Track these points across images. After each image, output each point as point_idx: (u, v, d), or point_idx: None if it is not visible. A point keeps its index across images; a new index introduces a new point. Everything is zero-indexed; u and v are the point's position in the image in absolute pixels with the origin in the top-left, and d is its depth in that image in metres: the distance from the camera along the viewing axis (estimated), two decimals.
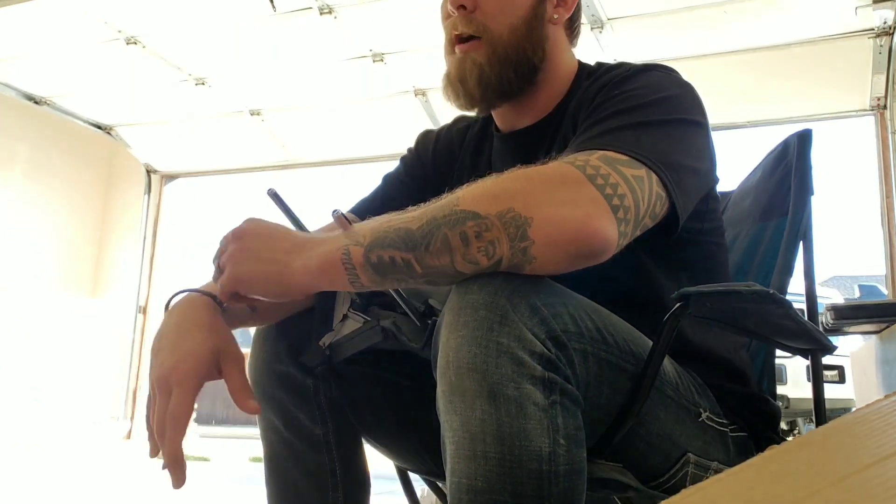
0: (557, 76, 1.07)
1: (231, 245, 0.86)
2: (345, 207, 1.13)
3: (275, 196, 1.03)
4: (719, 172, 1.01)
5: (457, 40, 1.04)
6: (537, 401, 0.72)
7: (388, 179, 1.21)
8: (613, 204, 0.76)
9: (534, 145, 1.06)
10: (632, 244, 0.94)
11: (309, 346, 1.06)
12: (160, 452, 0.88)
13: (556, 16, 1.07)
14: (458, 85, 1.04)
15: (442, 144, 1.20)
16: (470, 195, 0.76)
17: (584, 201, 0.75)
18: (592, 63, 1.11)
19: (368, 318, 1.00)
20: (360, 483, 1.10)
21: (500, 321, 0.72)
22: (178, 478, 0.87)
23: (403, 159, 1.24)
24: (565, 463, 0.72)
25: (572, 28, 1.12)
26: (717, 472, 0.92)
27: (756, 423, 1.01)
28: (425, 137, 1.24)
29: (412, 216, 0.77)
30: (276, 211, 1.05)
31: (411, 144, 1.26)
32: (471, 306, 0.73)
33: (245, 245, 0.85)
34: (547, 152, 1.02)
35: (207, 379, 0.90)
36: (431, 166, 1.19)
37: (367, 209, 1.13)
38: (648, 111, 0.90)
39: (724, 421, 0.97)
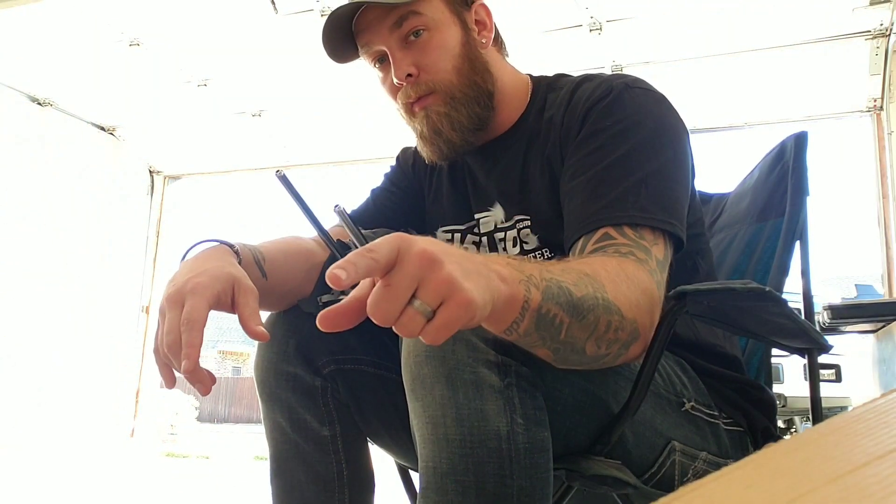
0: (510, 91, 1.11)
1: (432, 273, 0.60)
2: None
3: (283, 179, 1.05)
4: (716, 174, 1.06)
5: (411, 104, 1.06)
6: (493, 383, 0.75)
7: (377, 192, 1.26)
8: (655, 321, 0.84)
9: (504, 155, 1.10)
10: None
11: (316, 346, 1.08)
12: (173, 378, 0.85)
13: (483, 40, 1.10)
14: (435, 137, 1.06)
15: (420, 158, 1.23)
16: (614, 289, 0.77)
17: (652, 327, 0.83)
18: (565, 70, 1.15)
19: None
20: (365, 484, 1.11)
21: None
22: (205, 384, 0.81)
23: (387, 175, 1.28)
24: (525, 441, 0.75)
25: (498, 43, 1.15)
26: (706, 461, 0.95)
27: (752, 412, 1.03)
28: (405, 153, 1.29)
29: (570, 279, 0.73)
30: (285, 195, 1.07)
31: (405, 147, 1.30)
32: None
33: (451, 263, 0.62)
34: (523, 161, 1.07)
35: (220, 300, 0.85)
36: (413, 178, 1.24)
37: (359, 220, 1.17)
38: (646, 156, 0.94)
39: (715, 413, 0.99)
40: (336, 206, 1.03)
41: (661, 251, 0.88)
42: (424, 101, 1.05)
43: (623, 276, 0.80)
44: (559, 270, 0.73)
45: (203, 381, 0.82)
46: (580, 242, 0.90)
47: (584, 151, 0.96)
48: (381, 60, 1.08)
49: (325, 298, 1.06)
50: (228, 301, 0.87)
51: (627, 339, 0.78)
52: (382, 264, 0.59)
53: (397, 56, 1.04)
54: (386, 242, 0.60)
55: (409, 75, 1.04)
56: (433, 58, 1.04)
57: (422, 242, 0.62)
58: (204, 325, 0.82)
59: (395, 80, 1.05)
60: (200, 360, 0.83)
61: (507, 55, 1.16)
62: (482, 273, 0.64)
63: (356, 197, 1.26)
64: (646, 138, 0.94)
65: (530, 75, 1.16)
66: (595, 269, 0.78)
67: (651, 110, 0.98)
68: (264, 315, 1.13)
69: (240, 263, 0.94)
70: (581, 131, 0.98)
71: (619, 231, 0.88)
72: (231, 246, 0.96)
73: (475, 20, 1.10)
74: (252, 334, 0.85)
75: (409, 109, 1.07)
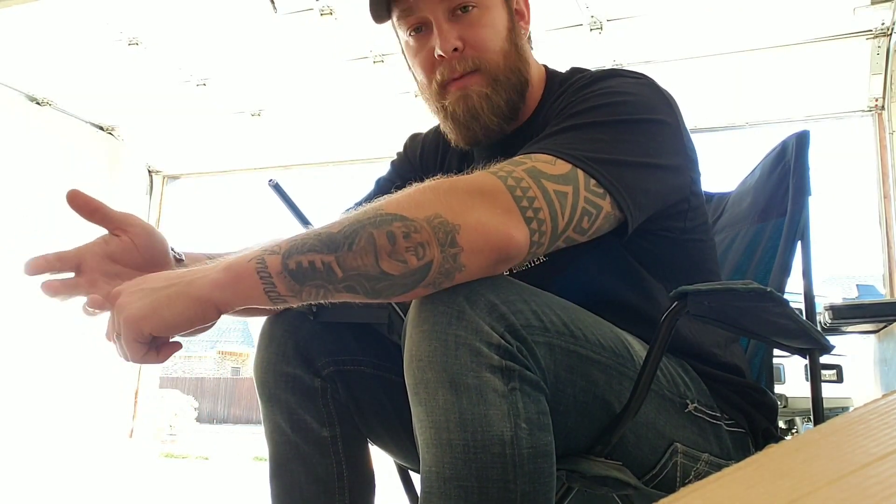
0: (534, 84, 1.08)
1: (118, 300, 0.79)
2: (342, 207, 1.14)
3: (276, 187, 1.04)
4: (716, 173, 1.03)
5: (450, 80, 1.02)
6: (497, 388, 0.74)
7: (381, 182, 1.23)
8: (527, 216, 0.78)
9: (510, 152, 1.07)
10: (618, 249, 0.96)
11: (315, 347, 1.07)
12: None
13: (523, 31, 1.08)
14: (472, 122, 1.02)
15: (429, 147, 1.21)
16: (394, 201, 0.76)
17: (499, 210, 0.77)
18: (564, 69, 1.13)
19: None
20: (365, 484, 1.10)
21: (457, 316, 0.75)
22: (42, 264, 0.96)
23: (393, 163, 1.26)
24: (528, 446, 0.75)
25: (528, 36, 1.13)
26: (708, 463, 0.94)
27: (753, 415, 1.02)
28: (413, 140, 1.26)
29: (334, 223, 0.76)
30: (278, 202, 1.07)
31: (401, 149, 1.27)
32: (431, 303, 0.76)
33: (131, 290, 0.79)
34: None
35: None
36: (420, 168, 1.21)
37: None
38: (598, 113, 0.91)
39: (717, 414, 0.98)
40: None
41: (558, 170, 0.82)
42: (465, 80, 1.01)
43: (421, 186, 0.78)
44: (333, 221, 0.77)
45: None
46: None
47: (547, 128, 0.95)
48: (418, 30, 1.04)
49: None
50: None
51: (440, 237, 0.73)
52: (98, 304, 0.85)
53: (444, 27, 1.00)
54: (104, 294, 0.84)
55: (455, 49, 1.00)
56: (482, 35, 1.01)
57: (124, 287, 0.80)
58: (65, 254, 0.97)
59: (438, 53, 1.01)
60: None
61: (533, 49, 1.14)
62: (169, 286, 0.78)
63: (355, 197, 1.24)
64: (608, 102, 0.92)
65: (546, 66, 1.13)
66: (389, 198, 0.77)
67: (630, 88, 0.95)
68: (257, 325, 1.13)
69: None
70: (556, 114, 0.97)
71: (511, 161, 0.84)
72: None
73: (515, 9, 1.08)
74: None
75: (443, 87, 1.03)
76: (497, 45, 1.02)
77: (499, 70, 1.02)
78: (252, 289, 0.76)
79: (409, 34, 1.05)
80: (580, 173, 0.83)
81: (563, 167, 0.83)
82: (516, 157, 0.85)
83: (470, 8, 1.01)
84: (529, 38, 1.13)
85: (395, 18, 1.06)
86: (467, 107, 1.02)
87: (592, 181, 0.84)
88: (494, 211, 0.76)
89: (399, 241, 0.73)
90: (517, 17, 1.08)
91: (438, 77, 1.03)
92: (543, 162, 0.83)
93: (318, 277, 0.75)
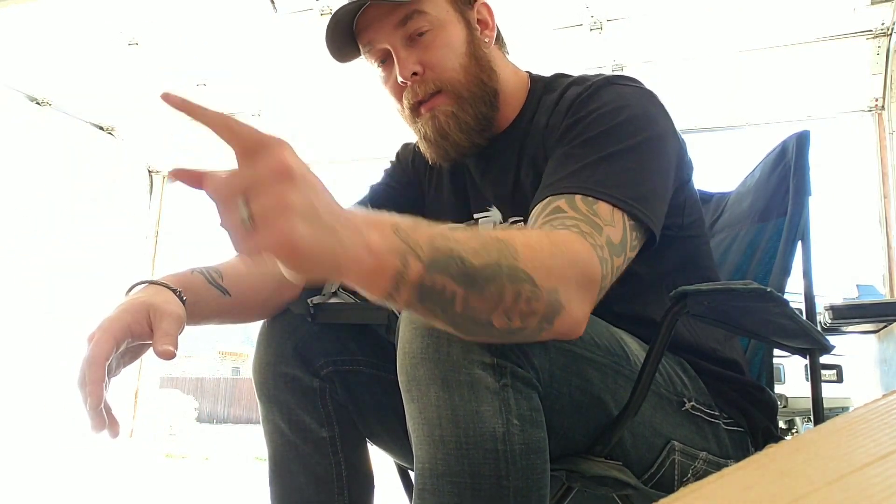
0: (510, 90, 1.09)
1: (276, 186, 0.57)
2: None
3: None
4: (716, 173, 1.04)
5: (418, 104, 1.04)
6: (488, 384, 0.75)
7: (376, 188, 1.24)
8: (594, 299, 0.79)
9: (499, 157, 1.09)
10: None
11: (314, 348, 1.08)
12: (102, 421, 0.86)
13: (486, 39, 1.09)
14: (442, 140, 1.04)
15: (421, 155, 1.22)
16: (529, 256, 0.71)
17: (588, 303, 0.77)
18: (564, 70, 1.13)
19: (358, 300, 1.03)
20: (364, 484, 1.11)
21: None
22: (99, 422, 0.85)
23: (387, 170, 1.27)
24: (520, 442, 0.75)
25: (500, 41, 1.14)
26: (706, 461, 0.95)
27: (752, 413, 1.03)
28: (405, 149, 1.27)
29: (471, 247, 0.68)
30: None
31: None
32: None
33: (300, 194, 0.57)
34: (517, 163, 1.06)
35: (132, 329, 0.87)
36: (413, 174, 1.23)
37: None
38: (618, 136, 0.92)
39: (715, 412, 0.99)
40: None
41: (618, 234, 0.83)
42: (432, 101, 1.03)
43: (547, 242, 0.75)
44: (464, 237, 0.68)
45: (98, 420, 0.85)
46: (532, 213, 0.87)
47: (561, 141, 0.96)
48: (384, 60, 1.07)
49: (315, 300, 1.06)
50: (144, 328, 0.88)
51: (547, 312, 0.71)
52: (240, 138, 0.58)
53: (402, 55, 1.03)
54: (258, 132, 0.58)
55: (415, 74, 1.02)
56: (439, 56, 1.03)
57: (292, 156, 0.58)
58: (106, 360, 0.84)
59: (399, 80, 1.03)
60: (108, 395, 0.86)
61: (508, 53, 1.15)
62: (337, 231, 0.59)
63: (355, 196, 1.25)
64: (620, 122, 0.93)
65: (529, 73, 1.14)
66: (511, 236, 0.71)
67: (630, 100, 0.96)
68: (256, 325, 1.13)
69: (181, 297, 0.94)
70: (562, 128, 0.97)
71: (570, 203, 0.84)
72: (166, 285, 0.95)
73: (477, 19, 1.09)
74: (158, 353, 0.85)
75: (415, 110, 1.05)
76: (455, 62, 1.04)
77: (461, 86, 1.03)
78: (379, 285, 0.64)
79: (377, 65, 1.08)
80: (628, 227, 0.84)
81: (619, 224, 0.84)
82: (588, 213, 0.83)
83: (424, 31, 1.03)
84: (501, 41, 1.14)
85: (362, 55, 1.09)
86: (436, 126, 1.04)
87: (635, 234, 0.85)
88: (586, 304, 0.77)
89: (521, 303, 0.70)
90: (481, 26, 1.09)
91: (406, 102, 1.05)
92: (610, 226, 0.83)
93: (439, 302, 0.67)
